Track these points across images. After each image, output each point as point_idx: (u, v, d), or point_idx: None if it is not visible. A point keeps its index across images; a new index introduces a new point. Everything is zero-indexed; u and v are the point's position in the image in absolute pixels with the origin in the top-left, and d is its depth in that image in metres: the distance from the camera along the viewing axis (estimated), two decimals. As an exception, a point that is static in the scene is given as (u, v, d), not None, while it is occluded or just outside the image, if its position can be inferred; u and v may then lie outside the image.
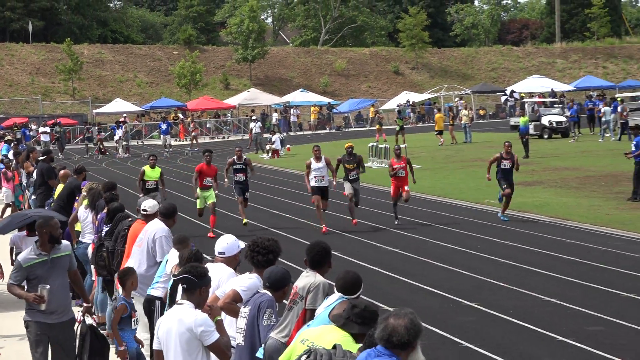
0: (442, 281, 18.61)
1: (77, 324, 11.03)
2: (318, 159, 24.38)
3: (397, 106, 73.50)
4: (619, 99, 63.88)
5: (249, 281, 9.15)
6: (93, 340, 10.76)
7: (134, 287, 11.18)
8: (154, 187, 24.37)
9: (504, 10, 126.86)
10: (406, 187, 25.68)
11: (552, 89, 79.18)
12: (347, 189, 24.95)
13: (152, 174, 24.36)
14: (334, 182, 25.11)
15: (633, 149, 31.27)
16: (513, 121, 64.67)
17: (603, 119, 57.52)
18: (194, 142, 62.93)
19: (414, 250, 22.13)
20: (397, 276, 19.03)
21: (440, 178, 38.88)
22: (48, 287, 10.15)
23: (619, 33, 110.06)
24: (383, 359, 6.10)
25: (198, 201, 24.80)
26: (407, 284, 18.50)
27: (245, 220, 25.36)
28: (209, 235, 23.57)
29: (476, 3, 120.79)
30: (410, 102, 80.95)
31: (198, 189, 24.87)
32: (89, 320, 11.39)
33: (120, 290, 12.04)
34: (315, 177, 24.27)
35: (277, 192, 35.14)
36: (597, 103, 62.33)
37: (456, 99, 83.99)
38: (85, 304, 11.35)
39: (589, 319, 15.13)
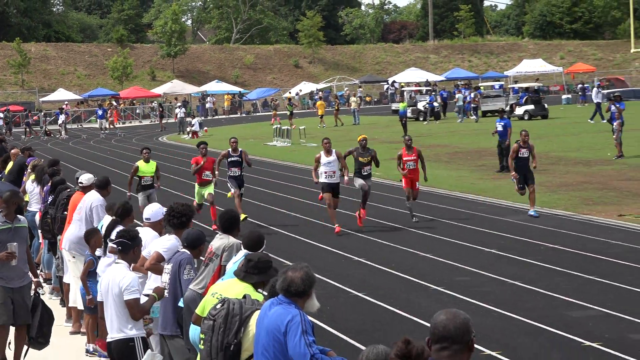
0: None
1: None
2: (328, 152, 19.13)
3: (290, 94, 74.13)
4: (473, 86, 66.88)
5: (168, 242, 9.09)
6: (43, 312, 10.55)
7: (98, 245, 10.78)
8: (149, 183, 19.62)
9: (386, 14, 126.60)
10: (417, 184, 20.30)
11: (427, 79, 79.04)
12: (359, 184, 19.35)
13: (147, 168, 19.46)
14: (347, 178, 19.51)
15: (499, 128, 31.07)
16: (394, 106, 65.29)
17: (458, 104, 58.79)
18: (112, 126, 63.95)
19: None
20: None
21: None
22: (15, 244, 10.06)
23: (481, 32, 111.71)
24: (283, 306, 6.23)
25: (196, 196, 20.21)
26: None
27: (244, 216, 19.41)
28: (213, 227, 18.64)
29: (363, 7, 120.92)
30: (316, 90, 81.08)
31: (197, 185, 20.35)
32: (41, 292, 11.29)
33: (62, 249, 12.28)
34: (325, 172, 18.88)
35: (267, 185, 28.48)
36: (463, 90, 62.00)
37: (346, 89, 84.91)
38: (34, 279, 10.94)
39: (458, 271, 15.16)
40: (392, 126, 53.31)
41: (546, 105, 57.56)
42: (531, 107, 56.47)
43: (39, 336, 10.42)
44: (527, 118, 55.74)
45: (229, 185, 20.28)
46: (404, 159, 19.59)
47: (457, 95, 61.69)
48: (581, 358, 10.55)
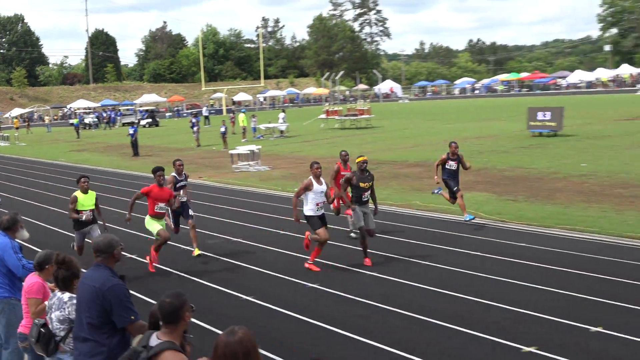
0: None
1: None
2: (319, 178, 13.05)
3: None
4: (117, 109, 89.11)
5: None
6: None
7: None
8: (90, 218, 13.54)
9: (64, 69, 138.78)
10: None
11: (88, 107, 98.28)
12: (356, 216, 13.33)
13: (86, 201, 13.47)
14: (352, 207, 13.50)
15: (131, 132, 40.61)
16: (70, 121, 76.24)
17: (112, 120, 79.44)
18: None
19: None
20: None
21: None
22: None
23: (120, 79, 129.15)
24: None
25: (153, 230, 13.26)
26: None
27: (198, 252, 14.50)
28: (151, 264, 13.56)
29: (50, 65, 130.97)
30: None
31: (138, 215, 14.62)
32: None
33: None
34: (318, 204, 12.85)
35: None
36: (111, 113, 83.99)
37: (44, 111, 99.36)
38: None
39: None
40: (70, 133, 65.24)
41: (158, 119, 78.42)
42: (149, 120, 75.72)
43: None
44: (148, 126, 73.03)
45: (170, 220, 14.38)
46: (342, 173, 14.95)
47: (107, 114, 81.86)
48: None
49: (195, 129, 44.69)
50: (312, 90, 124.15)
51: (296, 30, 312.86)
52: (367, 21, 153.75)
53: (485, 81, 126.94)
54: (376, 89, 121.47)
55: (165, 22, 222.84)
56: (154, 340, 4.76)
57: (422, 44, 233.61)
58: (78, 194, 13.51)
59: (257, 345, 4.27)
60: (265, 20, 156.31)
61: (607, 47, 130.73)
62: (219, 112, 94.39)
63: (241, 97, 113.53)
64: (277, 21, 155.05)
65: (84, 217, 13.45)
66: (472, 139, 37.85)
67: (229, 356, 4.12)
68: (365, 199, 13.44)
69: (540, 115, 38.09)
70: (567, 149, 30.83)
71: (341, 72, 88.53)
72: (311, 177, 13.04)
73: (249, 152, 31.50)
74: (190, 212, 14.70)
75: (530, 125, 38.23)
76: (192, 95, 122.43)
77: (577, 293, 10.94)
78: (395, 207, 19.61)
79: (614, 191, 19.90)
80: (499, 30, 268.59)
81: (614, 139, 33.73)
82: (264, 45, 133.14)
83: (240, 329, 4.26)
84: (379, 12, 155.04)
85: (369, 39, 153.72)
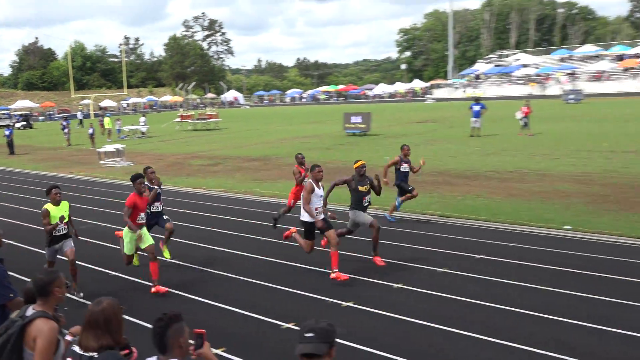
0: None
1: None
2: (319, 182, 10.26)
3: None
4: None
5: None
6: None
7: None
8: (63, 233, 9.94)
9: None
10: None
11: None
12: (363, 218, 10.79)
13: (59, 213, 9.91)
14: (330, 213, 10.51)
15: (7, 133, 38.06)
16: None
17: None
18: None
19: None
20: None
21: None
22: None
23: None
24: None
25: (126, 245, 10.21)
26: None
27: (168, 255, 11.72)
28: (155, 290, 9.78)
29: None
30: None
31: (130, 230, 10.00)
32: None
33: None
34: (316, 209, 10.10)
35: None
36: None
37: None
38: None
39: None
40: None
41: (32, 122, 74.48)
42: (24, 123, 71.76)
43: None
44: (23, 128, 69.01)
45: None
46: (303, 173, 13.24)
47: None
48: None
49: (66, 130, 42.76)
50: (168, 97, 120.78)
51: (154, 47, 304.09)
52: (214, 41, 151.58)
53: (311, 91, 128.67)
54: (223, 97, 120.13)
55: (37, 38, 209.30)
56: (30, 311, 4.50)
57: (259, 60, 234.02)
58: (49, 206, 9.91)
59: (119, 313, 4.11)
60: (127, 38, 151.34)
61: (403, 66, 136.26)
62: (87, 116, 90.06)
63: (107, 103, 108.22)
64: (137, 39, 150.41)
65: (61, 231, 9.82)
66: (301, 138, 38.25)
67: (92, 323, 4.02)
68: (366, 204, 10.95)
69: (353, 119, 39.04)
70: (374, 145, 31.57)
71: (193, 83, 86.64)
72: (311, 180, 10.24)
73: (114, 150, 30.38)
74: (165, 217, 11.78)
75: (346, 127, 39.12)
76: (62, 101, 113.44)
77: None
78: (239, 194, 19.48)
79: (414, 179, 20.66)
80: (320, 51, 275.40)
81: (410, 137, 34.79)
82: (127, 59, 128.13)
83: (106, 299, 4.12)
84: (224, 34, 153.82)
85: (215, 56, 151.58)
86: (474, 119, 33.96)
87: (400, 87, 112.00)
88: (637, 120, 37.87)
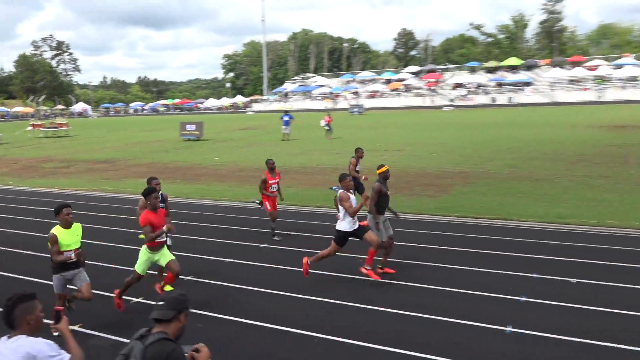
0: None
1: None
2: (350, 191, 8.11)
3: None
4: None
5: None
6: None
7: None
8: (74, 260, 6.31)
9: None
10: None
11: None
12: (387, 228, 8.49)
13: (70, 238, 6.29)
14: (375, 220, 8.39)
15: None
16: None
17: None
18: None
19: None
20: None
21: None
22: None
23: None
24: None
25: (141, 265, 6.96)
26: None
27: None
28: (161, 286, 7.51)
29: None
30: None
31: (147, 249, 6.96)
32: None
33: None
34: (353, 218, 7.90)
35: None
36: None
37: None
38: None
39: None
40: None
41: None
42: None
43: None
44: None
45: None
46: (270, 182, 10.63)
47: None
48: None
49: None
50: (20, 109, 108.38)
51: (5, 64, 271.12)
52: (62, 60, 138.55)
53: (151, 104, 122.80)
54: (72, 108, 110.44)
55: None
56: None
57: (105, 77, 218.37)
58: (58, 230, 6.37)
59: None
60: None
61: (228, 84, 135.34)
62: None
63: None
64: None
65: (72, 258, 6.39)
66: (144, 143, 36.47)
67: None
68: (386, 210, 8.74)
69: (188, 127, 38.07)
70: (206, 149, 31.16)
71: (43, 96, 78.79)
72: (342, 190, 7.97)
73: (-33, 156, 26.57)
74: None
75: (182, 133, 38.02)
76: None
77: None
78: (89, 191, 18.07)
79: (239, 174, 20.51)
80: (159, 71, 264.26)
81: (236, 141, 34.86)
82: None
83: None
84: (71, 53, 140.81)
85: (64, 73, 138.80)
86: (284, 127, 34.71)
87: (226, 101, 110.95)
88: (403, 127, 41.10)
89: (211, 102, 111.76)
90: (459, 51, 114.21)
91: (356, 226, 8.01)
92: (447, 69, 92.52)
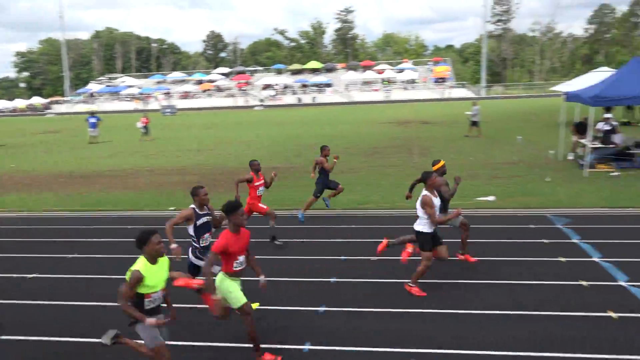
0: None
1: None
2: (434, 191, 7.26)
3: None
4: None
5: None
6: None
7: None
8: (158, 303, 4.59)
9: None
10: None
11: None
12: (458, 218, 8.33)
13: (157, 276, 4.45)
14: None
15: None
16: None
17: None
18: None
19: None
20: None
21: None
22: None
23: None
24: None
25: (235, 296, 5.13)
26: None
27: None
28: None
29: None
30: None
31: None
32: None
33: None
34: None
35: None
36: None
37: None
38: None
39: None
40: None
41: None
42: None
43: None
44: None
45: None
46: (256, 184, 9.76)
47: None
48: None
49: None
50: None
51: None
52: None
53: None
54: None
55: None
56: None
57: None
58: (143, 266, 4.40)
59: None
60: None
61: (22, 84, 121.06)
62: None
63: None
64: None
65: (156, 301, 4.58)
66: None
67: None
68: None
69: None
70: (0, 155, 27.95)
71: None
72: (428, 192, 7.10)
73: None
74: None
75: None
76: None
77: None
78: None
79: (22, 181, 19.04)
80: None
81: (36, 146, 31.86)
82: None
83: None
84: None
85: None
86: (90, 129, 32.73)
87: (20, 103, 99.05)
88: (215, 127, 41.26)
89: (2, 104, 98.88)
90: (266, 54, 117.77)
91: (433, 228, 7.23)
92: (255, 71, 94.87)
